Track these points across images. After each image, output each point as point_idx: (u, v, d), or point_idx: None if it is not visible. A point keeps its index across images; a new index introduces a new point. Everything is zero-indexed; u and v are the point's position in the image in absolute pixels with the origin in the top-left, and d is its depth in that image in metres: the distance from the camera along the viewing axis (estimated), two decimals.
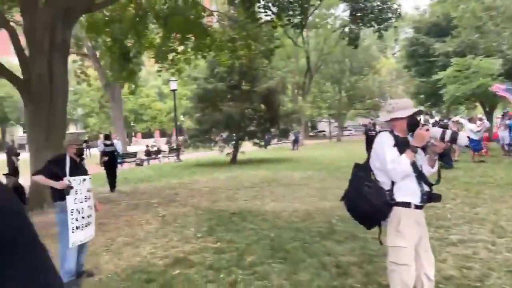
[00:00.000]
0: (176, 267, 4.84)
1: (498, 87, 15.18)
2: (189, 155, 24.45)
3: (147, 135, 49.69)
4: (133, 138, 51.95)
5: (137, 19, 12.43)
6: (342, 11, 33.15)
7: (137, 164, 21.45)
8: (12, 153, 14.52)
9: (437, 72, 22.15)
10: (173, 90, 24.08)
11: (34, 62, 9.19)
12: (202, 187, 11.63)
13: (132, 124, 44.29)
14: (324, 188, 10.17)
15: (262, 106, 19.39)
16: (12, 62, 11.48)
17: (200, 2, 12.64)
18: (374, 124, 18.20)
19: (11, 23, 10.20)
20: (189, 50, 14.19)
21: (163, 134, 51.56)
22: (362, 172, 3.11)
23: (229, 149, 20.27)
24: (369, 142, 13.83)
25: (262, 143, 21.34)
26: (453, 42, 22.47)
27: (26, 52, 9.52)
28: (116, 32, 12.87)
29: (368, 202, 2.93)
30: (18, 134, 46.07)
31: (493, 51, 20.13)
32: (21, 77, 9.48)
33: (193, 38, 13.34)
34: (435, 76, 21.84)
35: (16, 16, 11.23)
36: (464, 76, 18.89)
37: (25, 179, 10.08)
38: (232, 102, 18.52)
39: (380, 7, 12.48)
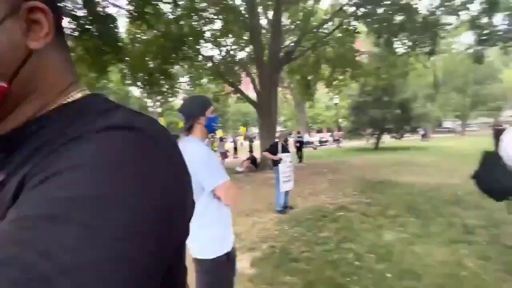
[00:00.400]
0: (340, 211, 4.78)
1: None
2: (346, 144, 23.51)
3: (319, 131, 49.87)
4: (311, 133, 52.96)
5: (316, 63, 12.59)
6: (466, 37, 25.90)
7: (313, 148, 21.83)
8: (250, 141, 16.71)
9: None
10: (335, 104, 23.47)
11: (262, 94, 10.41)
12: (355, 164, 11.07)
13: (309, 124, 45.12)
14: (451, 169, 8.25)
15: (399, 111, 16.97)
16: (251, 94, 12.98)
17: (353, 48, 11.91)
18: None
19: (252, 74, 11.62)
20: (346, 78, 13.64)
21: (329, 130, 50.94)
22: (493, 158, 2.53)
23: (373, 140, 18.63)
24: (496, 135, 10.69)
25: (398, 136, 18.85)
26: None
27: (258, 88, 10.79)
28: (303, 73, 13.38)
29: (499, 183, 2.42)
30: (252, 131, 52.44)
31: None
32: (256, 101, 10.83)
33: (350, 70, 12.72)
34: None
35: (251, 68, 12.60)
36: None
37: (257, 154, 11.50)
38: (377, 109, 16.89)
39: (507, 29, 9.41)
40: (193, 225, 1.37)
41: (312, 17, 11.60)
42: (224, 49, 11.43)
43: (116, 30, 7.70)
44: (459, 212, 4.32)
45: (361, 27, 10.94)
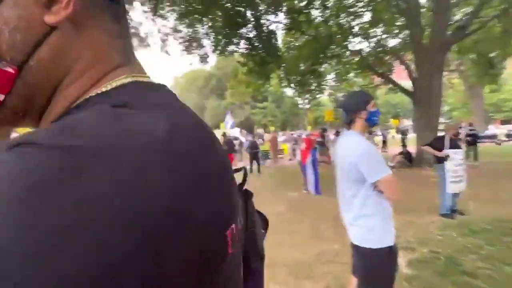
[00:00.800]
0: None
1: None
2: None
3: (505, 121, 35.46)
4: (491, 125, 38.43)
5: (503, 35, 9.01)
6: None
7: (496, 143, 15.89)
8: (403, 134, 14.32)
9: None
10: None
11: (419, 81, 8.64)
12: None
13: (490, 114, 32.82)
14: None
15: None
16: (404, 83, 11.01)
17: None
18: None
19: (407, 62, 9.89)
20: None
21: None
22: None
23: None
24: None
25: None
26: None
27: (414, 75, 9.04)
28: (481, 49, 9.93)
29: None
30: (404, 123, 44.72)
31: None
32: (411, 90, 9.15)
33: None
34: None
35: (405, 55, 10.64)
36: None
37: (410, 148, 9.75)
38: None
39: None
40: (353, 213, 1.37)
41: None
42: (373, 40, 10.32)
43: (276, 42, 8.64)
44: None
45: None
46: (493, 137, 16.55)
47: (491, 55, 10.15)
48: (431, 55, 8.14)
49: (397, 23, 9.68)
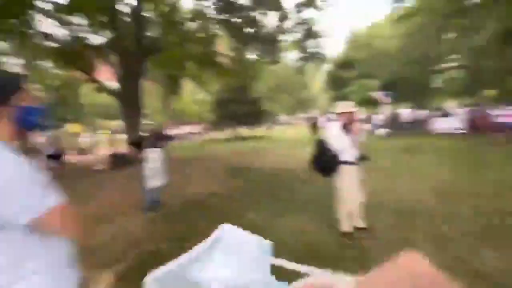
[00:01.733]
0: None
1: None
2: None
3: (189, 123, 46.83)
4: (182, 126, 48.43)
5: (181, 59, 12.11)
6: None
7: (184, 140, 21.05)
8: (114, 135, 14.27)
9: None
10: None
11: (123, 83, 9.07)
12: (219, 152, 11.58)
13: (179, 117, 42.77)
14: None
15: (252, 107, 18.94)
16: (111, 84, 10.95)
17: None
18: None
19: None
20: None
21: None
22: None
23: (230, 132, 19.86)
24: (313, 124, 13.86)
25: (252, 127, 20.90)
26: None
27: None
28: (169, 67, 12.56)
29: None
30: (114, 124, 44.09)
31: None
32: (119, 91, 9.35)
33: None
34: None
35: (110, 56, 10.77)
36: None
37: (123, 149, 9.96)
38: (236, 104, 18.08)
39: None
40: (6, 277, 0.78)
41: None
42: (71, 28, 9.10)
43: None
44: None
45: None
46: (183, 135, 21.86)
47: (175, 73, 13.28)
48: (133, 61, 8.92)
49: (100, 20, 9.34)
